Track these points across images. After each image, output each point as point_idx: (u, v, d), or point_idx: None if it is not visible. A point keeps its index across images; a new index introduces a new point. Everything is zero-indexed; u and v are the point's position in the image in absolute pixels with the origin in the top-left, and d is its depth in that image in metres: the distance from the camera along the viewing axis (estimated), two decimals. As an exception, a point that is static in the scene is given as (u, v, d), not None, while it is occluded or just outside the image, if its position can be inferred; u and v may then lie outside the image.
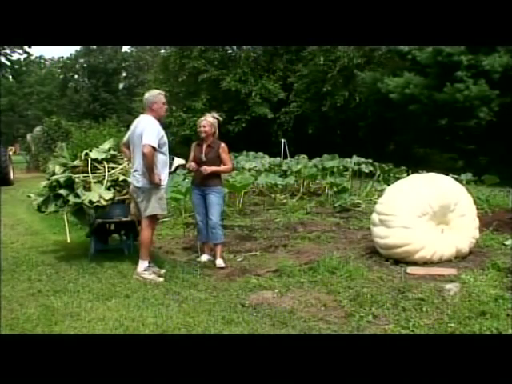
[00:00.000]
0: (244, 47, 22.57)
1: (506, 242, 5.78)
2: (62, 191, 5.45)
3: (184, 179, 8.76)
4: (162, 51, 28.15)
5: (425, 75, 15.03)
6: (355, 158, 12.27)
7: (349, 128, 20.77)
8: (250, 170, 10.86)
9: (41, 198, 5.69)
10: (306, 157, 13.54)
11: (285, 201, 9.56)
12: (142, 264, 4.93)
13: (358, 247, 5.90)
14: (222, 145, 5.45)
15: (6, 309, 4.05)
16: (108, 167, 5.78)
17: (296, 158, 14.02)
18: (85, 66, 45.53)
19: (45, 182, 5.77)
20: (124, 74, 48.34)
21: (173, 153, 9.98)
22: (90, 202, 5.34)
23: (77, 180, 5.52)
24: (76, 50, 46.18)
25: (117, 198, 5.53)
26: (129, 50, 47.63)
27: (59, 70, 48.98)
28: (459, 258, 5.16)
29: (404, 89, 14.99)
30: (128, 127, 5.49)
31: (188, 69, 22.40)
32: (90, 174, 5.64)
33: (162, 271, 5.02)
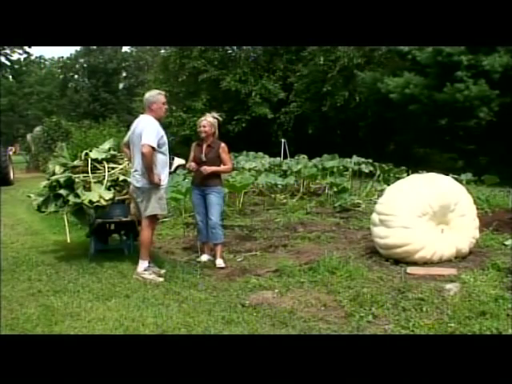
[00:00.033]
0: (244, 47, 22.58)
1: (506, 242, 5.78)
2: (62, 191, 5.45)
3: (184, 179, 8.76)
4: (162, 51, 28.16)
5: (425, 75, 15.03)
6: (355, 158, 12.27)
7: (349, 128, 20.77)
8: (250, 170, 10.86)
9: (41, 198, 5.69)
10: (306, 157, 13.54)
11: (285, 201, 9.56)
12: (142, 264, 4.93)
13: (357, 247, 5.89)
14: (222, 145, 5.45)
15: (6, 309, 4.05)
16: (108, 167, 5.78)
17: (296, 157, 14.02)
18: (85, 66, 45.53)
19: (45, 182, 5.77)
20: (124, 74, 48.33)
21: (173, 153, 10.00)
22: (90, 201, 5.34)
23: (77, 180, 5.52)
24: (76, 50, 46.26)
25: (117, 198, 5.53)
26: (129, 50, 47.69)
27: (59, 70, 48.98)
28: (459, 258, 5.16)
29: (404, 89, 15.00)
30: (128, 127, 5.50)
31: (188, 69, 22.40)
32: (90, 174, 5.64)
33: (162, 271, 5.02)
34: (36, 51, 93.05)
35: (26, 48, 29.22)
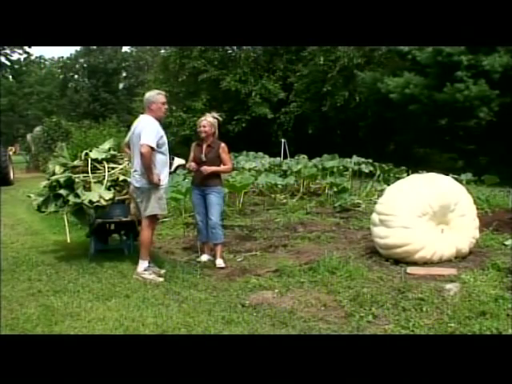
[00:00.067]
0: (244, 47, 22.58)
1: (506, 242, 5.78)
2: (62, 191, 5.44)
3: (184, 179, 8.76)
4: (162, 51, 28.17)
5: (425, 75, 15.03)
6: (355, 158, 12.27)
7: (349, 128, 20.77)
8: (250, 169, 10.86)
9: (41, 198, 5.69)
10: (306, 157, 13.54)
11: (285, 201, 9.56)
12: (142, 264, 4.93)
13: (358, 247, 5.89)
14: (222, 145, 5.45)
15: (6, 309, 4.05)
16: (108, 167, 5.78)
17: (296, 157, 14.02)
18: (85, 66, 45.53)
19: (45, 182, 5.77)
20: (124, 74, 48.34)
21: (173, 153, 9.97)
22: (90, 201, 5.34)
23: (77, 180, 5.52)
24: (76, 50, 46.27)
25: (117, 198, 5.53)
26: (129, 50, 47.70)
27: (59, 70, 49.00)
28: (459, 258, 5.16)
29: (404, 89, 15.00)
30: (128, 127, 5.50)
31: (188, 69, 22.40)
32: (90, 174, 5.64)
33: (162, 271, 5.02)
34: (36, 51, 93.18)
35: (26, 48, 29.26)
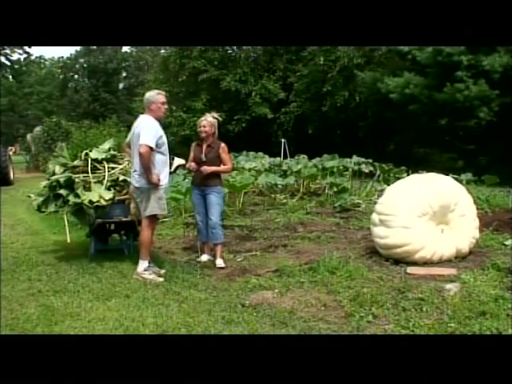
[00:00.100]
0: (244, 47, 22.58)
1: (506, 242, 5.78)
2: (62, 191, 5.45)
3: (184, 179, 8.77)
4: (162, 51, 28.17)
5: (425, 75, 15.03)
6: (355, 158, 12.27)
7: (349, 128, 20.77)
8: (250, 169, 10.86)
9: (41, 198, 5.69)
10: (306, 157, 13.54)
11: (285, 201, 9.56)
12: (142, 264, 4.93)
13: (358, 247, 5.89)
14: (222, 145, 5.45)
15: (6, 309, 4.05)
16: (108, 167, 5.78)
17: (296, 157, 14.02)
18: (85, 65, 45.53)
19: (45, 182, 5.77)
20: (124, 74, 48.34)
21: (173, 153, 9.98)
22: (90, 201, 5.34)
23: (77, 180, 5.52)
24: (76, 50, 46.26)
25: (117, 198, 5.53)
26: (129, 50, 47.69)
27: (59, 70, 48.98)
28: (459, 258, 5.16)
29: (404, 89, 15.00)
30: (128, 127, 5.51)
31: (188, 69, 22.41)
32: (90, 174, 5.63)
33: (162, 271, 5.02)
34: (36, 51, 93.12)
35: (26, 48, 29.26)
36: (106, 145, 6.23)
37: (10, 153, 18.70)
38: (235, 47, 22.98)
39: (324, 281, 4.58)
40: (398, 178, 8.61)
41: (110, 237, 6.17)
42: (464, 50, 13.85)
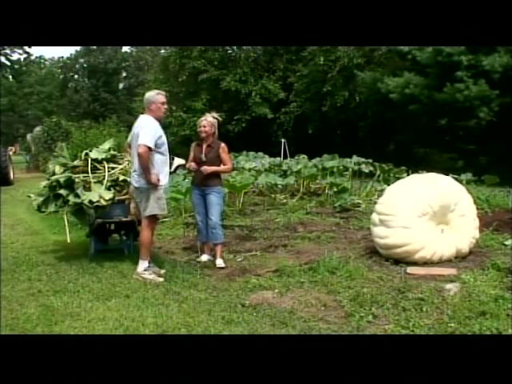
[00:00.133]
0: (244, 47, 22.58)
1: (506, 242, 5.78)
2: (62, 191, 5.44)
3: (184, 179, 8.77)
4: (162, 51, 28.20)
5: (425, 75, 15.04)
6: (355, 158, 12.26)
7: (349, 128, 20.78)
8: (250, 169, 10.86)
9: (41, 198, 5.69)
10: (306, 157, 13.54)
11: (285, 201, 9.56)
12: (142, 264, 4.93)
13: (357, 247, 5.89)
14: (222, 145, 5.45)
15: (6, 309, 4.05)
16: (108, 167, 5.78)
17: (296, 157, 14.02)
18: (85, 66, 45.55)
19: (45, 182, 5.77)
20: (124, 74, 48.36)
21: (173, 153, 9.99)
22: (90, 201, 5.34)
23: (77, 180, 5.52)
24: (76, 50, 46.30)
25: (117, 198, 5.53)
26: (129, 50, 47.71)
27: (59, 70, 49.02)
28: (459, 258, 5.16)
29: (404, 89, 15.00)
30: (128, 127, 5.52)
31: (188, 69, 22.41)
32: (90, 174, 5.63)
33: (162, 271, 5.02)
34: (36, 51, 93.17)
35: (26, 48, 29.29)
36: (106, 145, 6.23)
37: (10, 153, 18.71)
38: (235, 47, 22.98)
39: (324, 281, 4.57)
40: (398, 178, 8.61)
41: (110, 237, 6.17)
42: (464, 50, 13.86)
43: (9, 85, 42.11)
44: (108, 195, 5.42)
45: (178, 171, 11.39)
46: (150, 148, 4.76)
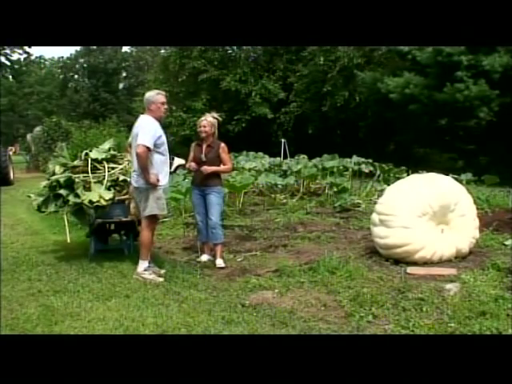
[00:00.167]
0: (244, 47, 22.59)
1: (506, 242, 5.78)
2: (62, 191, 5.45)
3: (184, 179, 8.77)
4: (162, 51, 28.19)
5: (425, 75, 15.04)
6: (355, 158, 12.26)
7: (349, 128, 20.78)
8: (250, 169, 10.85)
9: (41, 198, 5.69)
10: (306, 157, 13.54)
11: (285, 201, 9.56)
12: (142, 264, 4.93)
13: (357, 247, 5.89)
14: (222, 145, 5.45)
15: (6, 309, 4.05)
16: (108, 167, 5.78)
17: (296, 157, 14.02)
18: (85, 65, 45.57)
19: (45, 182, 5.77)
20: (124, 74, 48.37)
21: (173, 153, 9.99)
22: (90, 201, 5.34)
23: (77, 180, 5.52)
24: (76, 50, 46.31)
25: (117, 198, 5.53)
26: (129, 50, 47.73)
27: (59, 70, 49.02)
28: (459, 258, 5.16)
29: (404, 89, 15.01)
30: (128, 127, 5.52)
31: (188, 69, 22.42)
32: (90, 174, 5.63)
33: (162, 271, 5.02)
34: (36, 51, 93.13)
35: (26, 48, 29.26)
36: (106, 145, 6.23)
37: (10, 153, 18.71)
38: (235, 47, 22.98)
39: (324, 281, 4.57)
40: (398, 178, 8.61)
41: (110, 237, 6.17)
42: (464, 50, 13.86)
43: (9, 85, 42.10)
44: (108, 195, 5.42)
45: (177, 171, 11.39)
46: (148, 148, 4.75)
